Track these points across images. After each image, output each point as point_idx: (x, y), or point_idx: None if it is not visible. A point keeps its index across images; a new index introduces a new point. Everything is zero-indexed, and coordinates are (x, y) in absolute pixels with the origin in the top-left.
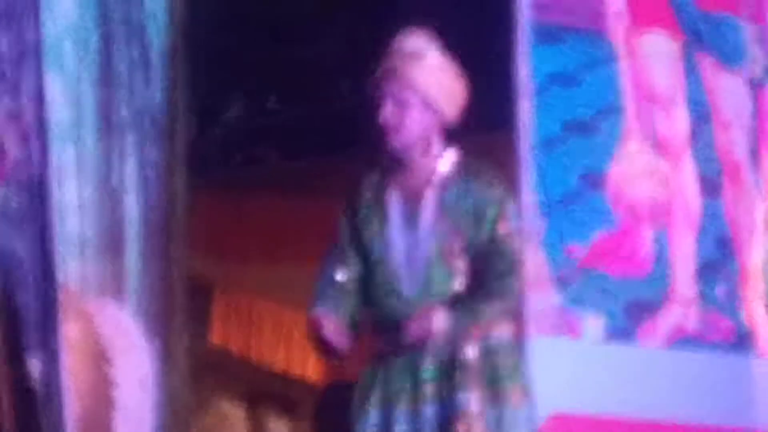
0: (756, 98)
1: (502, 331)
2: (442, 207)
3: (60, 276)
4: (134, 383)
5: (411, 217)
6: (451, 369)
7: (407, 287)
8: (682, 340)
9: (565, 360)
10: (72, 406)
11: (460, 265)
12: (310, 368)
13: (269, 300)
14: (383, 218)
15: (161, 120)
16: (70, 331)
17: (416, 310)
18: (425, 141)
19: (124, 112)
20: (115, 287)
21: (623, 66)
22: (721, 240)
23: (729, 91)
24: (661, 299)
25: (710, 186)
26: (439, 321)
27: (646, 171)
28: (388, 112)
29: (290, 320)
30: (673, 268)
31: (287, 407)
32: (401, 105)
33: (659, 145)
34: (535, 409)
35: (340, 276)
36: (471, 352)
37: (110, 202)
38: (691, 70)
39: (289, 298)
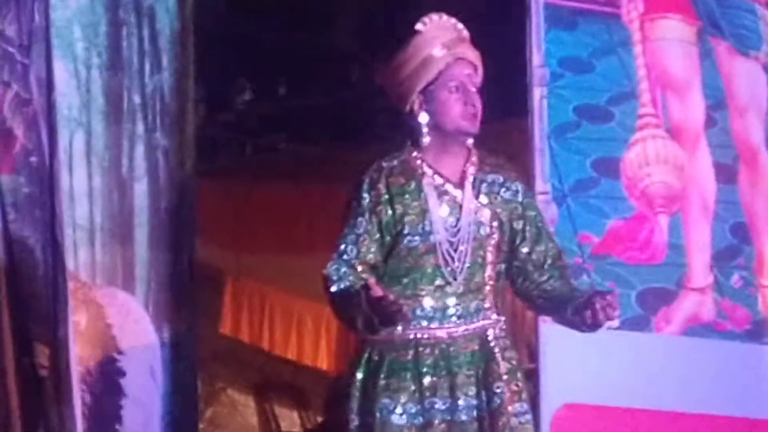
0: None
1: (507, 327)
2: (480, 196)
3: (70, 264)
4: (143, 372)
5: (451, 205)
6: (486, 359)
7: (453, 275)
8: (697, 327)
9: (579, 349)
10: (81, 394)
11: (492, 255)
12: (321, 357)
13: (280, 289)
14: (422, 204)
15: (171, 107)
16: (79, 320)
17: (452, 299)
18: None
19: (134, 98)
20: (124, 275)
21: (638, 51)
22: (737, 227)
23: (745, 77)
24: (676, 287)
25: (726, 172)
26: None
27: (661, 157)
28: (476, 99)
29: (301, 309)
30: (688, 256)
31: (297, 396)
32: (477, 91)
33: (674, 132)
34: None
35: (365, 255)
36: (501, 343)
37: (120, 190)
38: (706, 56)
39: (300, 287)
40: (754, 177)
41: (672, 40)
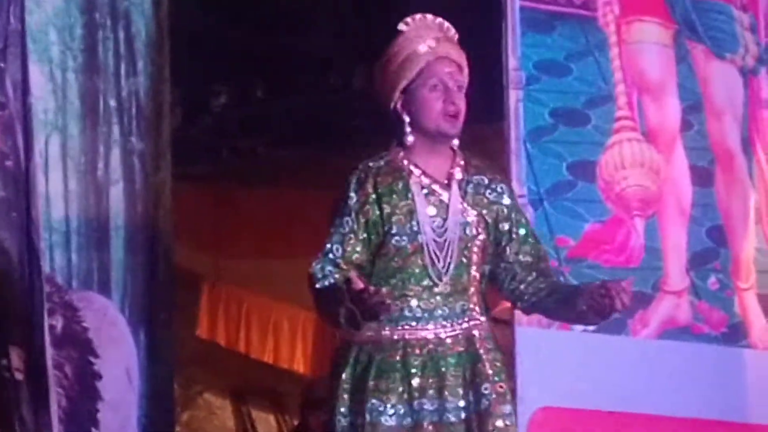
0: (748, 87)
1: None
2: (467, 198)
3: (45, 267)
4: (120, 376)
5: (436, 204)
6: (473, 360)
7: (439, 276)
8: (673, 330)
9: (555, 352)
10: (57, 397)
11: (477, 256)
12: (298, 361)
13: (257, 293)
14: (409, 204)
15: (147, 110)
16: (55, 323)
17: (438, 299)
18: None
19: (110, 102)
20: (100, 279)
21: (614, 54)
22: (714, 230)
23: (721, 80)
24: (653, 290)
25: (702, 175)
26: None
27: (638, 160)
28: (458, 98)
29: (278, 313)
30: (664, 259)
31: (274, 399)
32: (460, 90)
33: (651, 135)
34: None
35: (350, 254)
36: (487, 343)
37: (96, 193)
38: (682, 59)
39: (277, 291)
40: (731, 180)
41: (648, 43)
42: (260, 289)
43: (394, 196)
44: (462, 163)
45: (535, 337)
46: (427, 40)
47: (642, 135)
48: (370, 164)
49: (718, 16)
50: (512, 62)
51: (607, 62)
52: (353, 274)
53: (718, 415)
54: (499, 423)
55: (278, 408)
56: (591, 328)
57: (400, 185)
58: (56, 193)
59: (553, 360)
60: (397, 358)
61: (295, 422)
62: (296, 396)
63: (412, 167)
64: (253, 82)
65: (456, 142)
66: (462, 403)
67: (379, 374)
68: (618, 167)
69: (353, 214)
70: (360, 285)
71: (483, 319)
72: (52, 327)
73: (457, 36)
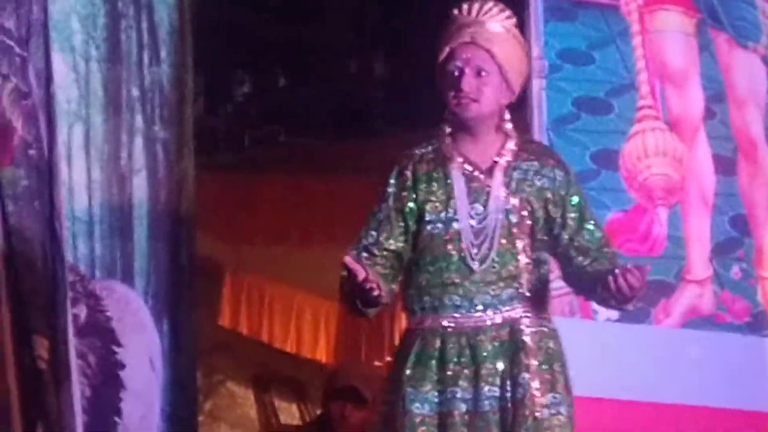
0: None
1: (550, 317)
2: (512, 183)
3: (69, 257)
4: (143, 365)
5: (478, 191)
6: (513, 349)
7: (476, 264)
8: (696, 320)
9: (578, 341)
10: (80, 386)
11: (526, 244)
12: (320, 350)
13: (279, 281)
14: (447, 191)
15: (170, 99)
16: (78, 312)
17: (479, 287)
18: (498, 115)
19: (133, 91)
20: (123, 268)
21: (637, 43)
22: (737, 219)
23: (744, 69)
24: (676, 279)
25: (725, 164)
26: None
27: (660, 149)
28: (469, 81)
29: (300, 302)
30: (687, 248)
31: (297, 389)
32: (483, 75)
33: (673, 124)
34: (572, 397)
35: (385, 241)
36: (531, 333)
37: (118, 183)
38: (705, 48)
39: (299, 279)
40: (754, 169)
41: (671, 31)
42: (282, 277)
43: (433, 183)
44: (513, 147)
45: (557, 326)
46: (459, 27)
47: (665, 124)
48: (416, 151)
49: (741, 5)
50: (535, 51)
51: (630, 51)
52: (348, 258)
53: (741, 405)
54: (544, 413)
55: (301, 397)
56: (614, 317)
57: (441, 172)
58: (79, 183)
59: (576, 349)
60: (436, 346)
61: (318, 411)
62: (319, 385)
63: (455, 153)
64: (274, 71)
65: (509, 126)
66: (497, 392)
67: (417, 363)
68: (641, 156)
69: (390, 201)
70: (355, 267)
71: (537, 307)
72: (75, 316)
73: (504, 17)
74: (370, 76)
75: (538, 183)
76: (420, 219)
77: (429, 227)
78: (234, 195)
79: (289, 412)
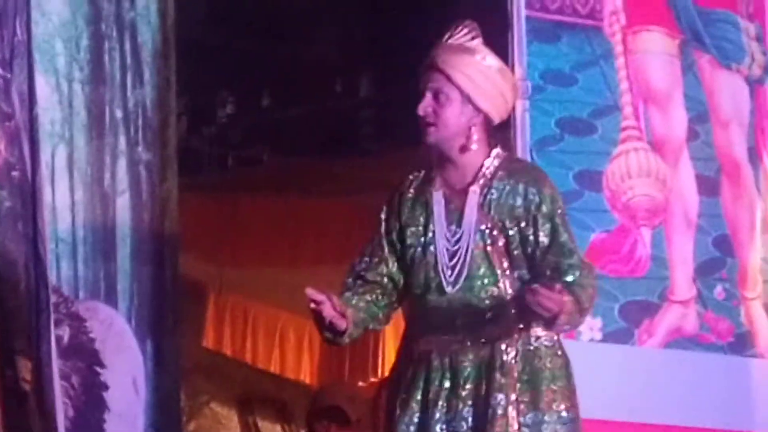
0: (755, 96)
1: (547, 334)
2: (486, 204)
3: (52, 278)
4: (126, 386)
5: (454, 214)
6: (490, 370)
7: (450, 285)
8: (680, 340)
9: None
10: (64, 408)
11: (505, 264)
12: (304, 371)
13: (263, 302)
14: (427, 215)
15: (153, 120)
16: (61, 334)
17: (459, 309)
18: (464, 138)
19: (116, 112)
20: (107, 289)
21: (620, 64)
22: (720, 239)
23: (727, 90)
24: (659, 299)
25: (709, 185)
26: (568, 302)
27: (644, 170)
28: (426, 104)
29: (284, 322)
30: (671, 268)
31: (280, 410)
32: (441, 98)
33: (657, 144)
34: (573, 415)
35: (376, 267)
36: (510, 353)
37: (102, 204)
38: (689, 69)
39: (283, 300)
40: (737, 189)
41: (654, 52)
42: (266, 298)
43: (416, 207)
44: (491, 167)
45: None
46: (431, 53)
47: (648, 145)
48: (410, 177)
49: (725, 26)
50: (518, 72)
51: (613, 72)
52: (309, 291)
53: (724, 425)
54: None
55: (285, 418)
56: (598, 337)
57: (423, 196)
58: (63, 204)
59: None
60: (422, 368)
61: None
62: (303, 406)
63: (438, 176)
64: (258, 91)
65: (474, 147)
66: (472, 413)
67: (407, 386)
68: (624, 177)
69: (381, 227)
70: (316, 298)
71: (521, 326)
72: (58, 338)
73: (469, 38)
74: (355, 96)
75: (510, 202)
76: (404, 243)
77: (410, 251)
78: (218, 216)
79: None
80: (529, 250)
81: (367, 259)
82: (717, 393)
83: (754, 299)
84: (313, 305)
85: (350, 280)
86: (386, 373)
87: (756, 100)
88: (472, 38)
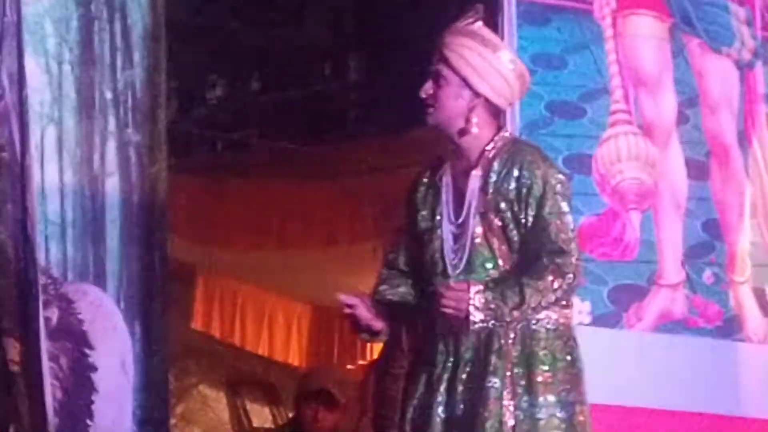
0: (744, 80)
1: (548, 316)
2: (486, 187)
3: (41, 260)
4: (115, 367)
5: (459, 198)
6: (487, 353)
7: (452, 268)
8: (668, 324)
9: None
10: (52, 389)
11: (503, 247)
12: (293, 353)
13: (252, 284)
14: (436, 199)
15: (143, 102)
16: (50, 315)
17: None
18: (462, 120)
19: (106, 94)
20: (96, 271)
21: (610, 48)
22: (709, 223)
23: (717, 73)
24: (648, 283)
25: (698, 169)
26: (475, 298)
27: (633, 154)
28: (427, 87)
29: (273, 305)
30: (659, 252)
31: (269, 392)
32: (440, 81)
33: (646, 128)
34: (574, 398)
35: (405, 254)
36: (509, 335)
37: (91, 186)
38: (679, 52)
39: (272, 282)
40: (726, 173)
41: (644, 36)
42: (255, 280)
43: (428, 192)
44: (493, 151)
45: None
46: None
47: (638, 128)
48: (435, 166)
49: (715, 10)
50: None
51: (603, 55)
52: (342, 297)
53: (712, 409)
54: (509, 418)
55: (273, 400)
56: (586, 320)
57: (435, 181)
58: (52, 185)
59: None
60: (430, 351)
61: (290, 414)
62: (291, 388)
63: (448, 161)
64: (248, 74)
65: (474, 130)
66: (469, 396)
67: (415, 369)
68: (614, 160)
69: (405, 216)
70: (347, 301)
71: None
72: (47, 319)
73: (472, 22)
74: (344, 80)
75: (506, 185)
76: (417, 229)
77: (421, 235)
78: (207, 198)
79: (261, 415)
80: (522, 231)
81: (396, 248)
82: (705, 377)
83: (743, 283)
84: (347, 310)
85: (385, 270)
86: (375, 357)
87: (745, 84)
88: (475, 22)
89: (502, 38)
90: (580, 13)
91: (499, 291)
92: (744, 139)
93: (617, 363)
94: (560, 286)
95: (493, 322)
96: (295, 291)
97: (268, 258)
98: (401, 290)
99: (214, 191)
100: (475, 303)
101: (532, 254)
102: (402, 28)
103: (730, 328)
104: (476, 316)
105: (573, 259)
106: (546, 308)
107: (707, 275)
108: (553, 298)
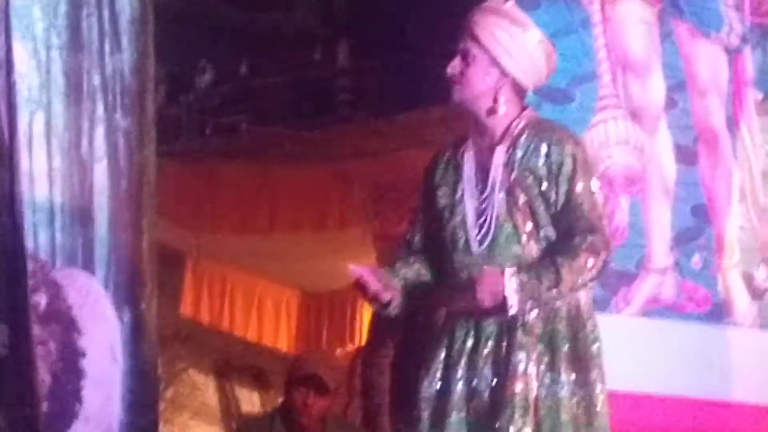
0: (733, 65)
1: (573, 296)
2: (511, 165)
3: (29, 245)
4: (104, 352)
5: (482, 174)
6: (511, 329)
7: (476, 244)
8: (657, 308)
9: None
10: (41, 375)
11: (528, 224)
12: (281, 338)
13: (241, 270)
14: (458, 175)
15: (131, 87)
16: (39, 300)
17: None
18: (490, 98)
19: (94, 79)
20: (84, 256)
21: (598, 32)
22: (697, 208)
23: (706, 58)
24: (637, 268)
25: (686, 154)
26: (511, 281)
27: (622, 139)
28: (454, 63)
29: (262, 290)
30: (648, 237)
31: (258, 377)
32: (468, 59)
33: (635, 113)
34: (594, 377)
35: (408, 236)
36: (533, 312)
37: (80, 171)
38: (667, 37)
39: (261, 268)
40: (714, 158)
41: (632, 21)
42: (244, 266)
43: (448, 168)
44: (519, 127)
45: None
46: None
47: (626, 113)
48: (455, 143)
49: None
50: None
51: (591, 40)
52: (352, 268)
53: (701, 393)
54: (535, 393)
55: (262, 385)
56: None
57: (456, 159)
58: (40, 171)
59: None
60: (447, 327)
61: (280, 399)
62: (280, 373)
63: (470, 139)
64: (236, 59)
65: (503, 109)
66: (492, 371)
67: (430, 344)
68: (602, 145)
69: (421, 193)
70: (359, 274)
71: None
72: (36, 304)
73: (502, 2)
74: (334, 64)
75: (534, 160)
76: (435, 205)
77: (441, 212)
78: (195, 183)
79: (251, 401)
80: (553, 210)
81: (412, 226)
82: (694, 361)
83: (732, 268)
84: (358, 279)
85: (402, 249)
86: (363, 341)
87: (734, 69)
88: (506, 1)
89: None
90: None
91: (534, 272)
92: (732, 123)
93: (606, 347)
94: (594, 265)
95: (530, 304)
96: (285, 276)
97: (258, 243)
98: (416, 266)
99: (203, 176)
100: (512, 286)
101: (565, 232)
102: (391, 14)
103: (718, 312)
104: (513, 299)
105: (606, 237)
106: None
107: (696, 260)
108: (588, 277)
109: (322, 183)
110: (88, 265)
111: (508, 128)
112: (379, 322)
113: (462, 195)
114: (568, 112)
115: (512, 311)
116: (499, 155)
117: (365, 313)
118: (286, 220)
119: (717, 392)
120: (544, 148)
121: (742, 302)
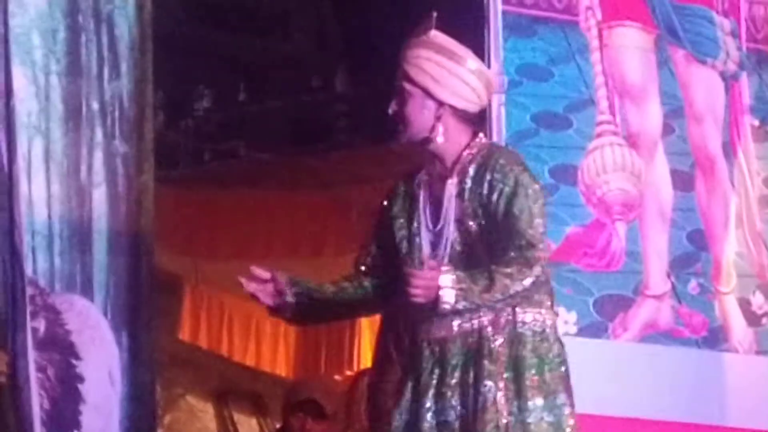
0: (729, 92)
1: (535, 319)
2: (462, 193)
3: (28, 270)
4: (102, 377)
5: (435, 206)
6: (478, 357)
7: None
8: (654, 334)
9: None
10: (40, 399)
11: (481, 252)
12: (280, 363)
13: (239, 295)
14: (413, 207)
15: (130, 113)
16: (37, 326)
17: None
18: (432, 129)
19: (93, 105)
20: (83, 282)
21: (595, 59)
22: (694, 234)
23: (702, 84)
24: (634, 294)
25: (683, 179)
26: (446, 278)
27: (619, 165)
28: (392, 105)
29: (260, 315)
30: (645, 263)
31: (256, 402)
32: (403, 96)
33: (631, 139)
34: (562, 401)
35: (370, 257)
36: (498, 339)
37: (78, 196)
38: (664, 63)
39: None
40: (711, 184)
41: (630, 47)
42: (242, 291)
43: (405, 199)
44: (468, 157)
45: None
46: None
47: (623, 139)
48: (411, 174)
49: (700, 21)
50: (494, 66)
51: (589, 67)
52: (253, 267)
53: (698, 419)
54: (506, 420)
55: (260, 411)
56: (572, 331)
57: (412, 189)
58: (39, 196)
59: None
60: (415, 358)
61: (278, 425)
62: (278, 399)
63: (424, 169)
64: (235, 85)
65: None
66: (461, 402)
67: (403, 379)
68: (599, 171)
69: (377, 221)
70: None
71: (505, 313)
72: (34, 329)
73: (424, 33)
74: (332, 90)
75: (479, 189)
76: (393, 235)
77: (397, 243)
78: (194, 209)
79: (249, 426)
80: (495, 236)
81: (367, 249)
82: (691, 387)
83: (728, 294)
84: (251, 283)
85: (352, 271)
86: (362, 367)
87: (730, 95)
88: (428, 31)
89: (489, 50)
90: (566, 25)
91: (469, 275)
92: (729, 150)
93: (603, 373)
94: (527, 275)
95: (464, 303)
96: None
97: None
98: (343, 284)
99: (201, 202)
100: (445, 283)
101: (503, 249)
102: (389, 39)
103: (715, 338)
104: (447, 295)
105: (541, 253)
106: (529, 309)
107: (693, 286)
108: (521, 287)
109: (319, 209)
110: (87, 290)
111: (459, 157)
112: (386, 346)
113: (418, 226)
114: (566, 138)
115: (444, 307)
116: (451, 187)
117: (364, 339)
118: (284, 246)
119: (713, 418)
120: (488, 175)
121: (738, 328)
